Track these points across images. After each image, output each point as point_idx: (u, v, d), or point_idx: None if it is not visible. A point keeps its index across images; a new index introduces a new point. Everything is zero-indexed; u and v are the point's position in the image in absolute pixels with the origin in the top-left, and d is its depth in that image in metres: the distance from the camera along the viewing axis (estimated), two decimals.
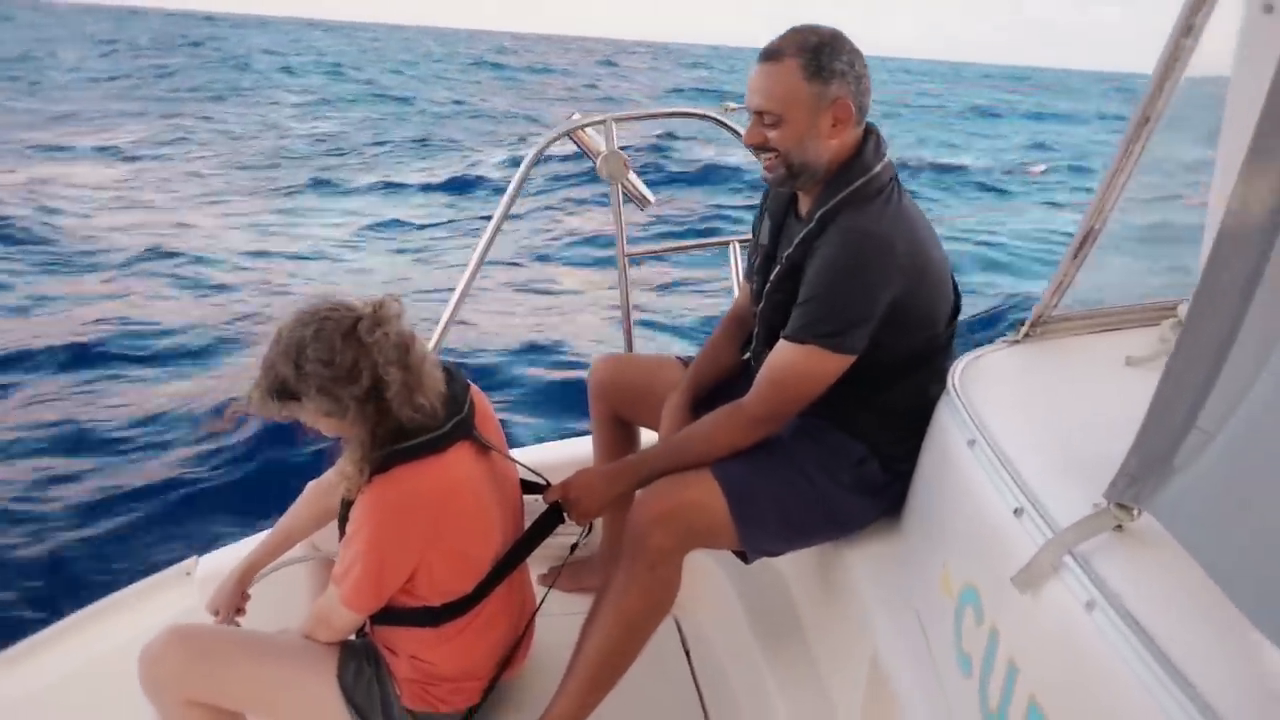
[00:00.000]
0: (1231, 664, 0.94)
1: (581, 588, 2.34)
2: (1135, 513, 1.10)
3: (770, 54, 1.75)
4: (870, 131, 1.82)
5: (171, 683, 1.78)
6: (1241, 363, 0.89)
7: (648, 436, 2.36)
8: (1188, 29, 1.36)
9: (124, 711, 2.06)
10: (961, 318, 1.91)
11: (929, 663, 1.55)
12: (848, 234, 1.72)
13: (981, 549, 1.38)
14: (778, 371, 1.77)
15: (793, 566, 2.20)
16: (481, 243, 2.49)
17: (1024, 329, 1.84)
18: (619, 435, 2.35)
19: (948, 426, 1.65)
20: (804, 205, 1.87)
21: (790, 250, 1.82)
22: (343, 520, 1.77)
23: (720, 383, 2.12)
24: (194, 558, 2.41)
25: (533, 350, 6.17)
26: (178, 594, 2.33)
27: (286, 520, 2.09)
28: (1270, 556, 0.87)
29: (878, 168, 1.77)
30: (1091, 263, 1.73)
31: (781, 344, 1.77)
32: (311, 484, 2.12)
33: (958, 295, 1.89)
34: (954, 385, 1.69)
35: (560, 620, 2.05)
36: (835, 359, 1.73)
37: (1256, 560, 0.89)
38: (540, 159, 2.48)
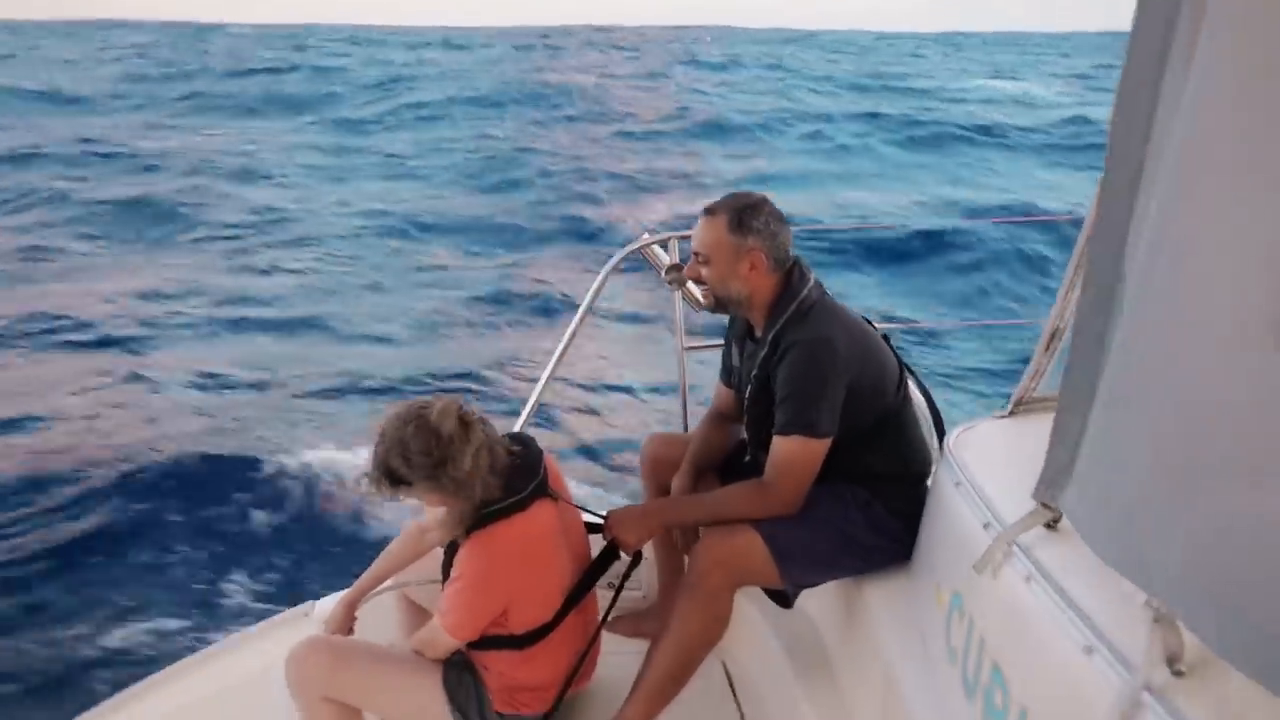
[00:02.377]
0: (1131, 619, 1.28)
1: (640, 633, 2.72)
2: (1057, 511, 1.50)
3: (708, 210, 2.32)
4: (795, 264, 2.33)
5: (311, 681, 2.20)
6: (1106, 397, 1.30)
7: None
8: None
9: None
10: None
11: (926, 667, 1.92)
12: (799, 345, 2.21)
13: (962, 560, 1.76)
14: (778, 462, 2.23)
15: (821, 607, 2.58)
16: (561, 345, 3.00)
17: (1010, 406, 2.26)
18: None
19: (942, 476, 2.06)
20: (758, 330, 2.38)
21: (756, 370, 2.32)
22: (446, 565, 2.21)
23: (712, 463, 2.61)
24: (312, 601, 2.81)
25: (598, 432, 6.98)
26: (298, 631, 2.67)
27: (385, 559, 2.54)
28: (1131, 530, 1.25)
29: (804, 290, 2.28)
30: (1062, 352, 2.15)
31: (775, 440, 2.23)
32: (405, 529, 2.58)
33: (901, 364, 2.38)
34: (949, 445, 2.10)
35: (622, 657, 2.43)
36: (817, 442, 2.20)
37: (1122, 533, 1.27)
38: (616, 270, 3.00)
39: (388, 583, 2.57)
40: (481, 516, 2.11)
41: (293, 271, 12.59)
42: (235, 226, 15.07)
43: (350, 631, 2.45)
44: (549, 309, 10.75)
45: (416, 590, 2.56)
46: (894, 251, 12.21)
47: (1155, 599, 1.12)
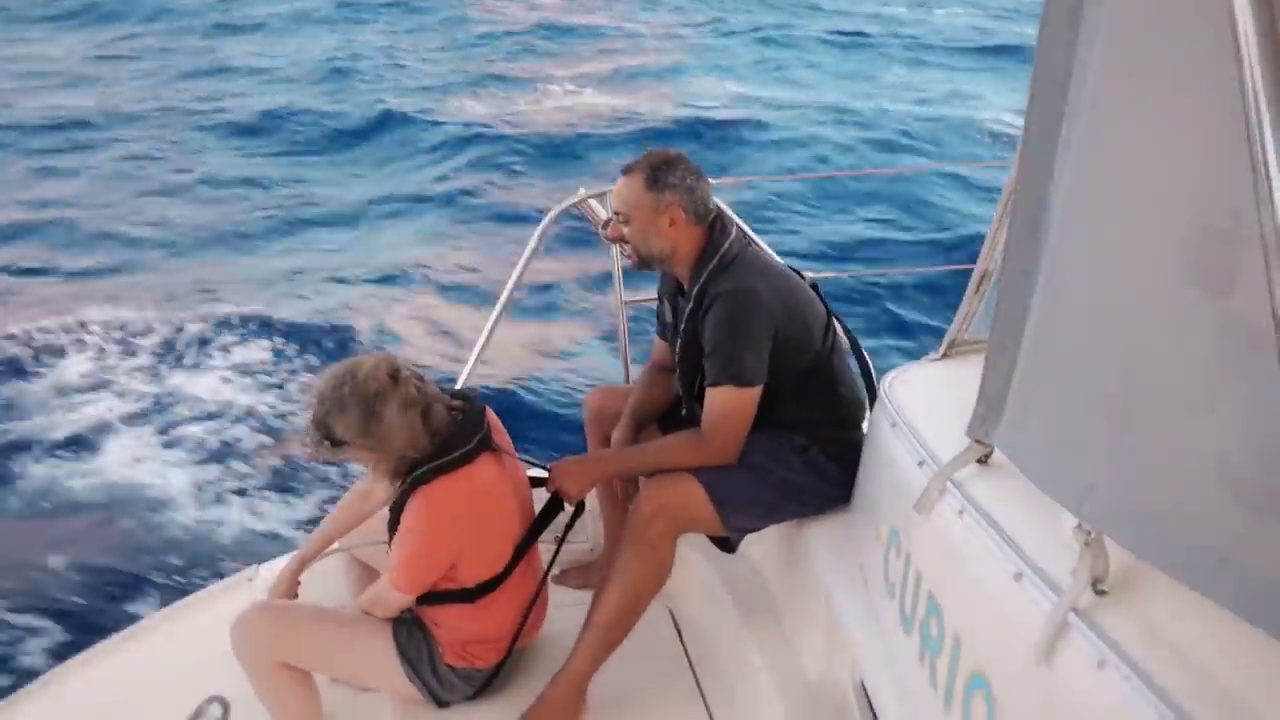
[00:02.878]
0: (1059, 546, 1.34)
1: (588, 584, 2.74)
2: (989, 447, 1.55)
3: (626, 169, 2.34)
4: (717, 217, 2.36)
5: (260, 647, 2.18)
6: (1033, 335, 1.34)
7: None
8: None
9: (194, 697, 2.40)
10: None
11: (866, 602, 1.98)
12: (722, 297, 2.24)
13: (899, 498, 1.81)
14: (712, 413, 2.26)
15: (764, 551, 2.63)
16: (500, 302, 2.98)
17: (942, 349, 2.31)
18: None
19: (878, 417, 2.10)
20: (686, 286, 2.39)
21: (684, 325, 2.36)
22: (392, 524, 2.21)
23: (651, 416, 2.64)
24: (255, 566, 2.80)
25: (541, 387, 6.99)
26: (242, 597, 2.65)
27: (329, 523, 2.53)
28: (1062, 456, 1.30)
29: (726, 243, 2.31)
30: (990, 295, 2.20)
31: (707, 392, 2.27)
32: (349, 492, 2.57)
33: (830, 312, 2.42)
34: (884, 387, 2.15)
35: (571, 609, 2.46)
36: (748, 391, 2.23)
37: (1053, 459, 1.32)
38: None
39: (334, 546, 2.56)
40: (425, 472, 2.12)
41: None
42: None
43: (295, 596, 2.44)
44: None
45: (364, 551, 2.56)
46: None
47: (1085, 522, 1.16)
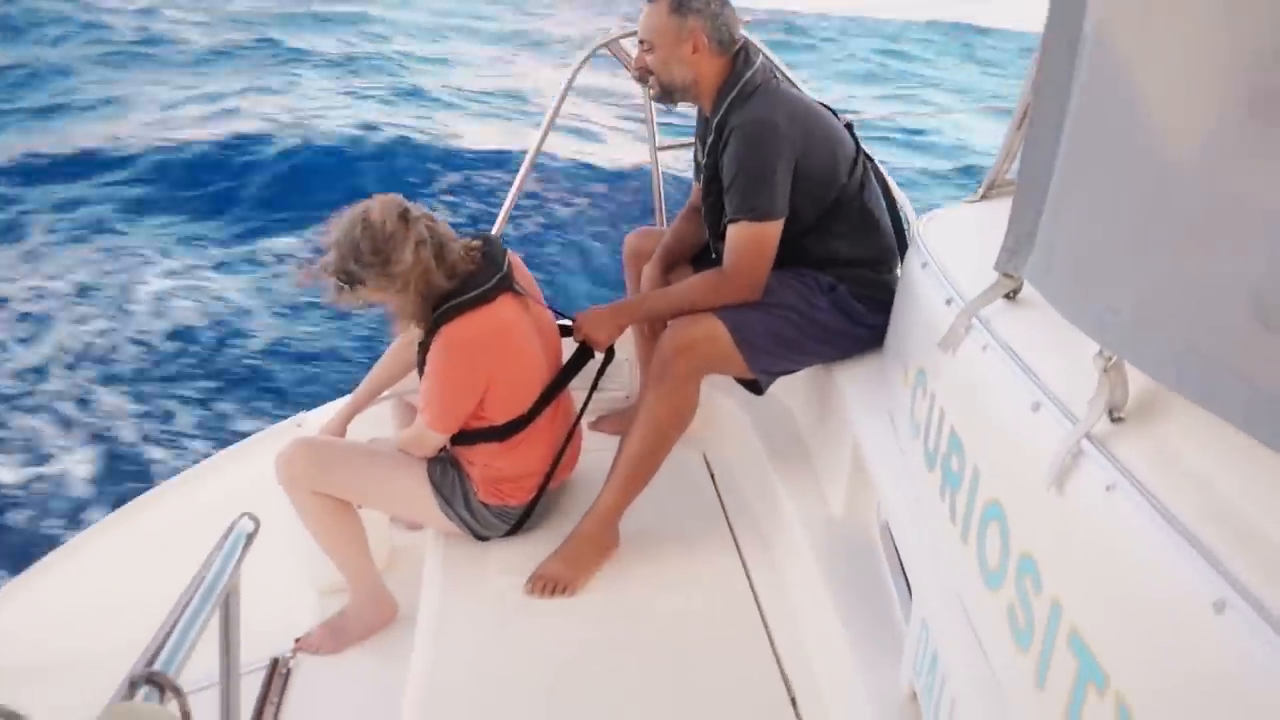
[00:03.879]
0: (1079, 376, 1.31)
1: (623, 430, 2.79)
2: (1017, 280, 1.50)
3: None
4: (742, 48, 2.26)
5: (300, 477, 2.27)
6: (1063, 168, 1.28)
7: None
8: None
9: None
10: None
11: (894, 444, 1.98)
12: (739, 129, 2.17)
13: (927, 338, 1.79)
14: (733, 249, 2.22)
15: (796, 396, 2.64)
16: (534, 145, 2.93)
17: (980, 191, 2.23)
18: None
19: (910, 259, 2.06)
20: (709, 118, 2.31)
21: (705, 159, 2.31)
22: (420, 363, 2.24)
23: (683, 256, 2.64)
24: (302, 413, 2.87)
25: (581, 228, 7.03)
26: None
27: (374, 374, 2.59)
28: (1089, 284, 1.26)
29: (749, 73, 2.22)
30: None
31: (728, 228, 2.23)
32: (391, 345, 2.61)
33: (861, 151, 2.34)
34: (917, 229, 2.09)
35: (603, 454, 2.50)
36: (768, 225, 2.19)
37: (1080, 288, 1.28)
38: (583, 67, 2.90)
39: (385, 394, 2.62)
40: (446, 310, 2.15)
41: None
42: None
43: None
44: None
45: (412, 395, 2.62)
46: None
47: (1105, 347, 1.14)
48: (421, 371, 2.25)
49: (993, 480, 1.37)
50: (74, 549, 2.73)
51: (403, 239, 2.08)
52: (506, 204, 2.94)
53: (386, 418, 2.65)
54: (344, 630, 2.45)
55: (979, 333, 1.52)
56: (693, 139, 2.61)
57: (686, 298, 2.29)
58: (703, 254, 2.61)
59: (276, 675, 2.37)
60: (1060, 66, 1.26)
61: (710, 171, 2.29)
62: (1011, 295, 1.54)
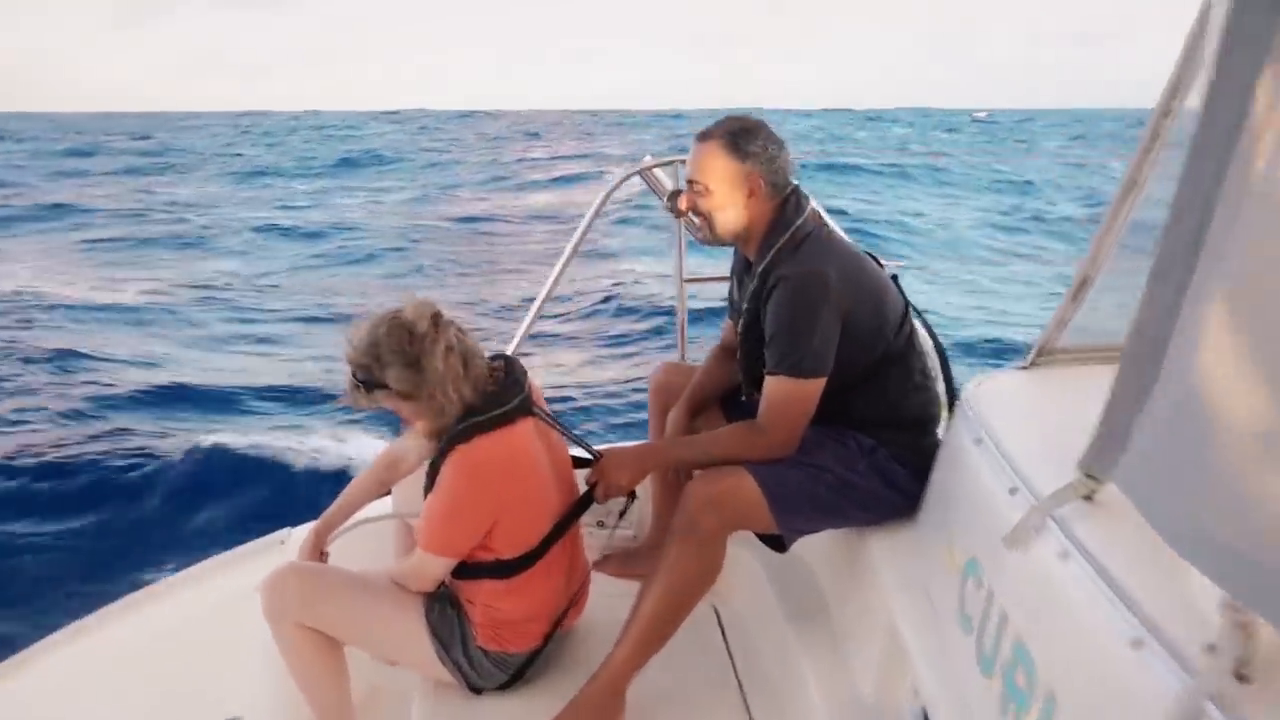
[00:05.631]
0: (1176, 600, 1.19)
1: (629, 573, 2.63)
2: (1101, 482, 1.39)
3: (702, 135, 2.17)
4: (792, 193, 2.19)
5: (287, 609, 2.10)
6: (1179, 354, 1.17)
7: None
8: (1166, 111, 1.63)
9: (218, 663, 2.36)
10: None
11: (935, 629, 1.83)
12: (787, 279, 2.08)
13: (982, 525, 1.66)
14: (770, 404, 2.12)
15: (820, 556, 2.49)
16: (556, 268, 2.85)
17: (1030, 357, 2.14)
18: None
19: (959, 429, 1.95)
20: (753, 264, 2.23)
21: (747, 305, 2.20)
22: (429, 484, 2.09)
23: (712, 398, 2.52)
24: (287, 529, 2.70)
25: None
26: (272, 560, 2.54)
27: (354, 486, 2.43)
28: (1205, 512, 1.14)
29: (799, 220, 2.15)
30: (1090, 302, 2.03)
31: (766, 380, 2.12)
32: (379, 454, 2.47)
33: (908, 305, 2.25)
34: (966, 397, 1.99)
35: (612, 600, 2.35)
36: (810, 383, 2.08)
37: (1194, 515, 1.15)
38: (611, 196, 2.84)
39: (373, 511, 2.46)
40: (464, 429, 2.01)
41: None
42: None
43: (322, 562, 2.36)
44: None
45: (408, 519, 2.46)
46: None
47: (1229, 594, 1.01)
48: (429, 491, 2.10)
49: (1079, 717, 1.23)
50: (42, 651, 2.51)
51: (433, 342, 1.97)
52: (526, 323, 2.85)
53: (375, 540, 2.48)
54: None
55: (1055, 536, 1.40)
56: (728, 276, 2.53)
57: (717, 448, 2.17)
58: (733, 396, 2.50)
59: None
60: (1185, 243, 1.14)
61: (750, 318, 2.20)
62: (1089, 496, 1.43)
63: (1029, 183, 26.89)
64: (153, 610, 2.56)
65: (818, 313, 2.06)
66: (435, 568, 2.13)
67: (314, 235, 17.25)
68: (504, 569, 2.12)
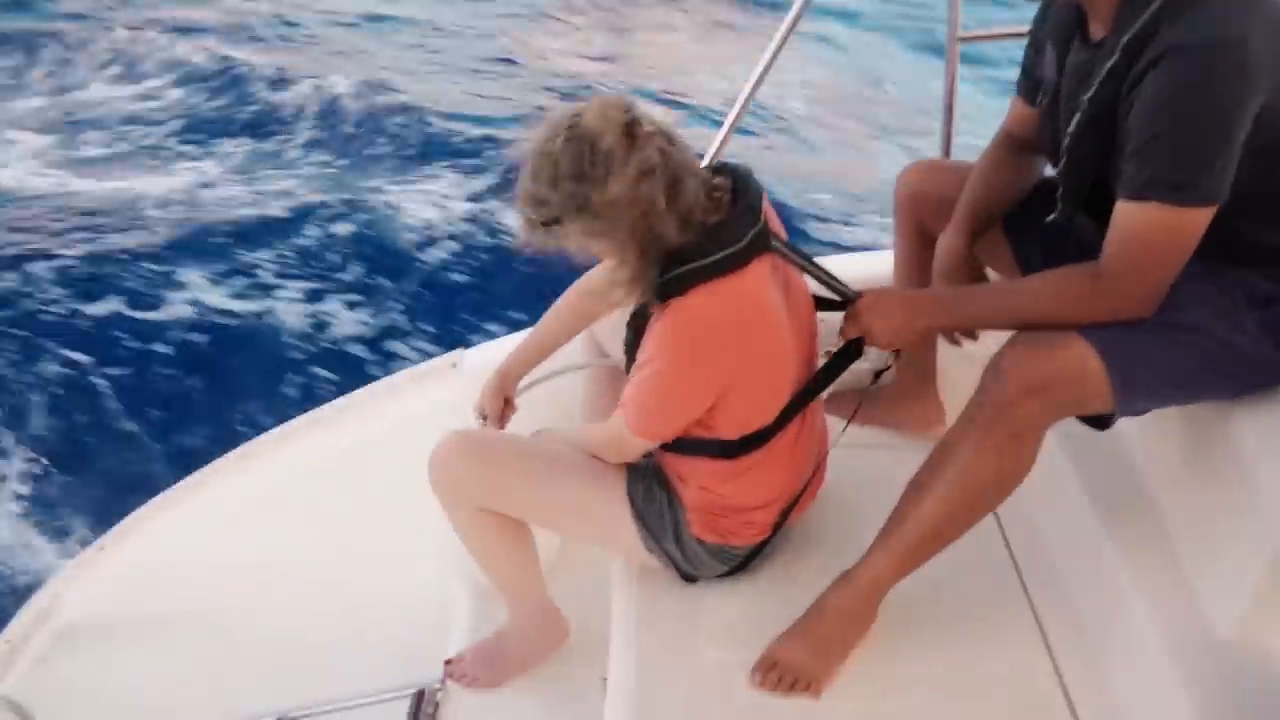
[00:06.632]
0: None
1: (869, 419, 2.09)
2: None
3: None
4: None
5: (460, 489, 1.72)
6: None
7: None
8: None
9: (387, 492, 2.11)
10: None
11: None
12: (1183, 55, 1.33)
13: None
14: (1128, 241, 1.43)
15: (1156, 437, 1.81)
16: (769, 50, 2.20)
17: None
18: (926, 253, 2.06)
19: None
20: (1095, 28, 1.50)
21: (1092, 91, 1.47)
22: (631, 344, 1.62)
23: (996, 216, 1.83)
24: (460, 350, 2.37)
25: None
26: (443, 386, 2.30)
27: (550, 319, 1.97)
28: None
29: None
30: None
31: (1120, 206, 1.43)
32: (573, 287, 1.98)
33: None
34: None
35: (848, 452, 1.83)
36: (1196, 213, 1.38)
37: None
38: None
39: (571, 354, 2.02)
40: (682, 275, 1.48)
41: None
42: None
43: (505, 421, 1.96)
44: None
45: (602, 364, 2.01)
46: None
47: None
48: (630, 351, 1.62)
49: None
50: (189, 490, 2.32)
51: (622, 162, 1.41)
52: (730, 120, 2.22)
53: (576, 386, 2.05)
54: (503, 656, 1.94)
55: None
56: (1022, 33, 1.79)
57: (1035, 304, 1.52)
58: (1024, 215, 1.82)
59: (422, 714, 1.89)
60: None
61: (1094, 111, 1.48)
62: None
63: None
64: (313, 439, 2.34)
65: (1226, 110, 1.34)
66: (635, 445, 1.68)
67: None
68: (728, 449, 1.65)
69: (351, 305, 5.04)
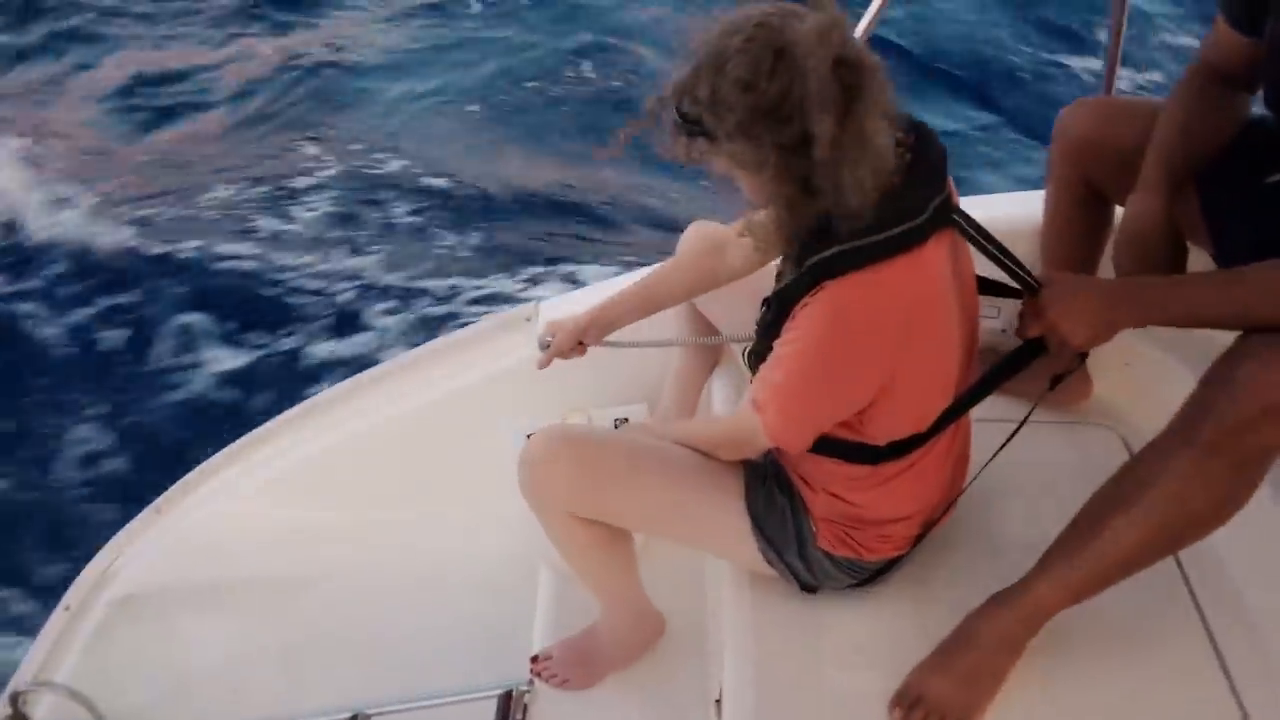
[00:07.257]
0: None
1: (1005, 390, 1.84)
2: None
3: None
4: None
5: (555, 493, 1.50)
6: None
7: None
8: None
9: (461, 446, 2.05)
10: None
11: None
12: None
13: None
14: None
15: None
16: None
17: None
18: (1088, 215, 1.76)
19: None
20: None
21: None
22: (772, 323, 1.35)
23: (1192, 169, 1.52)
24: (535, 303, 2.18)
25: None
26: (518, 339, 2.12)
27: (659, 275, 1.72)
28: None
29: None
30: None
31: None
32: (697, 235, 1.72)
33: None
34: None
35: (979, 427, 1.58)
36: None
37: None
38: None
39: (646, 330, 1.78)
40: (850, 253, 1.22)
41: None
42: None
43: (569, 357, 1.75)
44: None
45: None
46: None
47: None
48: (770, 330, 1.36)
49: None
50: (252, 446, 2.16)
51: (814, 94, 1.10)
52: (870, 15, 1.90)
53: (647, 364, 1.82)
54: (594, 654, 1.76)
55: None
56: None
57: (1266, 301, 1.25)
58: (1229, 167, 1.52)
59: (511, 717, 1.74)
60: None
61: None
62: None
63: None
64: (382, 394, 2.18)
65: None
66: (763, 446, 1.45)
67: None
68: (869, 454, 1.40)
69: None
